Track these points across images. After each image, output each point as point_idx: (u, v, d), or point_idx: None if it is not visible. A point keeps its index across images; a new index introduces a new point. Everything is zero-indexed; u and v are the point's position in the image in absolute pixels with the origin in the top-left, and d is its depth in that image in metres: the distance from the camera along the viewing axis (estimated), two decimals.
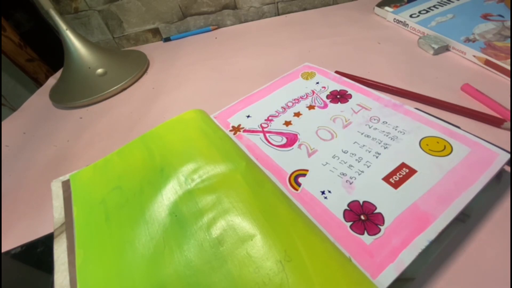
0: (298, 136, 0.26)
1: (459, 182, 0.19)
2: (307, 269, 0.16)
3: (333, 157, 0.23)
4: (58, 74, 0.53)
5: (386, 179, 0.20)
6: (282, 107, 0.29)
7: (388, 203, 0.19)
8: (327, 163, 0.23)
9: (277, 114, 0.29)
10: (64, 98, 0.44)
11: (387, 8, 0.46)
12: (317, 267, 0.16)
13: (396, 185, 0.20)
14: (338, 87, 0.30)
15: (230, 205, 0.19)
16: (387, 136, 0.24)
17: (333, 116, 0.27)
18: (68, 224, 0.22)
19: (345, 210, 0.19)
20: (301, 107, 0.29)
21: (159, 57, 0.53)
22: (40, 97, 0.48)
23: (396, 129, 0.24)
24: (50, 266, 0.20)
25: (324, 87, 0.31)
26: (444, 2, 0.43)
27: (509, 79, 0.30)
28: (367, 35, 0.43)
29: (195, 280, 0.17)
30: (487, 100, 0.27)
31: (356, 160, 0.22)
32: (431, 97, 0.29)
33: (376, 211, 0.19)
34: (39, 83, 0.58)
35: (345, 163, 0.22)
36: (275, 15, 0.57)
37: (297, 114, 0.28)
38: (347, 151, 0.23)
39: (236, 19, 0.57)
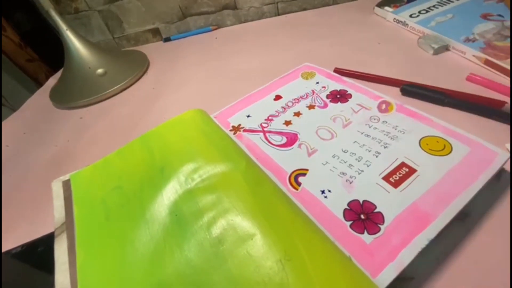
0: (298, 136, 0.26)
1: (459, 181, 0.19)
2: (307, 268, 0.16)
3: (333, 156, 0.23)
4: (58, 74, 0.53)
5: (386, 178, 0.20)
6: (282, 107, 0.29)
7: (388, 202, 0.19)
8: (327, 162, 0.23)
9: (277, 113, 0.29)
10: (64, 98, 0.44)
11: (387, 8, 0.46)
12: (317, 266, 0.16)
13: (396, 185, 0.20)
14: (338, 86, 0.30)
15: (230, 204, 0.19)
16: (387, 135, 0.24)
17: (333, 116, 0.27)
18: (68, 223, 0.22)
19: (345, 209, 0.19)
20: (301, 106, 0.29)
21: (159, 57, 0.53)
22: (40, 97, 0.48)
23: (396, 129, 0.24)
24: (51, 266, 0.20)
25: (324, 87, 0.31)
26: (444, 2, 0.43)
27: (509, 78, 0.30)
28: (367, 35, 0.43)
29: (196, 279, 0.17)
30: (491, 84, 0.28)
31: (356, 159, 0.22)
32: (432, 86, 0.29)
33: (376, 210, 0.19)
34: (39, 83, 0.58)
35: (345, 162, 0.22)
36: (275, 15, 0.57)
37: (297, 114, 0.28)
38: (347, 151, 0.23)
39: (236, 19, 0.57)
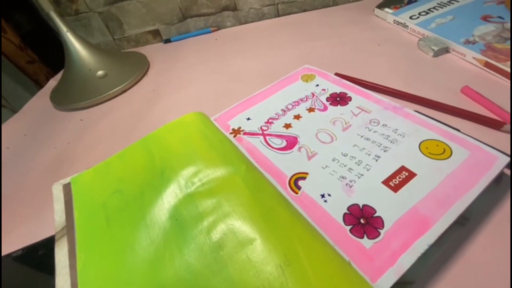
0: (298, 139, 0.26)
1: (459, 186, 0.19)
2: (307, 273, 0.16)
3: (333, 160, 0.23)
4: (58, 76, 0.54)
5: (386, 182, 0.20)
6: (282, 110, 0.29)
7: (388, 206, 0.19)
8: (327, 166, 0.23)
9: (277, 116, 0.29)
10: (64, 100, 0.44)
11: (387, 9, 0.46)
12: (317, 271, 0.16)
13: (395, 189, 0.20)
14: (338, 89, 0.30)
15: (230, 208, 0.19)
16: (386, 139, 0.24)
17: (333, 119, 0.27)
18: (69, 227, 0.22)
19: (345, 213, 0.19)
20: (301, 109, 0.29)
21: (159, 58, 0.53)
22: (41, 99, 0.49)
23: (395, 132, 0.24)
24: (51, 269, 0.20)
25: (324, 90, 0.31)
26: (444, 3, 0.43)
27: (509, 81, 0.30)
28: (367, 36, 0.43)
29: (195, 284, 0.17)
30: (486, 103, 0.27)
31: (355, 163, 0.22)
32: (430, 99, 0.29)
33: (376, 214, 0.19)
34: (40, 85, 0.58)
35: (344, 166, 0.22)
36: (275, 17, 0.57)
37: (297, 117, 0.28)
38: (347, 154, 0.23)
39: (236, 21, 0.57)
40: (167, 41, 0.58)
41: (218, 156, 0.24)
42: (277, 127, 0.28)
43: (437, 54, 0.36)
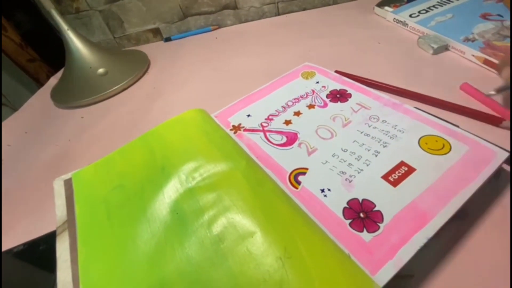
0: (298, 135, 0.26)
1: (458, 180, 0.19)
2: (307, 266, 0.16)
3: (333, 155, 0.23)
4: (59, 74, 0.54)
5: (385, 177, 0.21)
6: (282, 106, 0.30)
7: (387, 201, 0.19)
8: (326, 161, 0.23)
9: (277, 113, 0.29)
10: (65, 98, 0.45)
11: (386, 8, 0.46)
12: (317, 264, 0.16)
13: (395, 183, 0.20)
14: (338, 86, 0.30)
15: (231, 202, 0.20)
16: (386, 134, 0.24)
17: (333, 115, 0.27)
18: (70, 222, 0.22)
19: (345, 208, 0.19)
20: (301, 106, 0.29)
21: (160, 57, 0.53)
22: (42, 97, 0.49)
23: (395, 128, 0.24)
24: (52, 264, 0.20)
25: (324, 87, 0.31)
26: (444, 2, 0.43)
27: None
28: (367, 34, 0.43)
29: (196, 277, 0.17)
30: (485, 99, 0.28)
31: (355, 158, 0.23)
32: (430, 96, 0.29)
33: (375, 209, 0.19)
34: (40, 83, 0.58)
35: (344, 161, 0.23)
36: (275, 15, 0.57)
37: (297, 113, 0.28)
38: (347, 150, 0.23)
39: (236, 19, 0.57)
40: (168, 39, 0.58)
41: (219, 152, 0.24)
42: (277, 123, 0.28)
43: (436, 51, 0.36)
